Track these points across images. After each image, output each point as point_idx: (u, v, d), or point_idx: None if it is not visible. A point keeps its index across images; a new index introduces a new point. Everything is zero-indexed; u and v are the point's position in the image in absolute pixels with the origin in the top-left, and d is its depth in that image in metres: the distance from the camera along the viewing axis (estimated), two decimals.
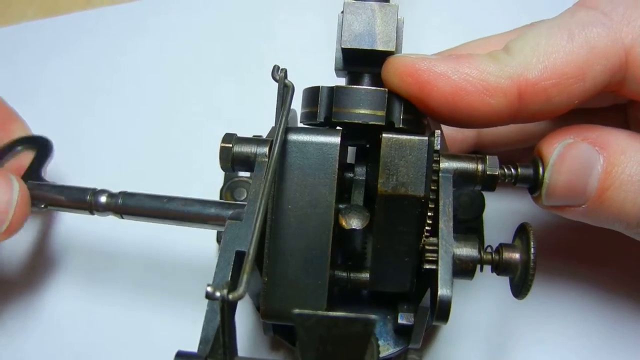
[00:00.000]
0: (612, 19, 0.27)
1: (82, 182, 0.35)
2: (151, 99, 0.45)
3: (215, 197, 0.39)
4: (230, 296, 0.22)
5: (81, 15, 0.48)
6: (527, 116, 0.29)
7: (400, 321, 0.32)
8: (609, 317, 0.36)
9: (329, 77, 0.33)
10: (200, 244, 0.39)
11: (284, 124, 0.28)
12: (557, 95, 0.27)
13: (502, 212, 0.36)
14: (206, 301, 0.25)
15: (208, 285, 0.23)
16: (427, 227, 0.28)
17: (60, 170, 0.42)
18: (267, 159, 0.29)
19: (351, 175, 0.32)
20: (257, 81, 0.43)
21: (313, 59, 0.41)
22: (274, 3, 0.47)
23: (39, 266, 0.40)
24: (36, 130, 0.40)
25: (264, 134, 0.39)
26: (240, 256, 0.27)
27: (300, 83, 0.31)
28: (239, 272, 0.27)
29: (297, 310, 0.21)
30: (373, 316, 0.21)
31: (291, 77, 0.30)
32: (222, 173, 0.40)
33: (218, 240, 0.39)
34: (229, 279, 0.27)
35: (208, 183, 0.40)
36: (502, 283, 0.30)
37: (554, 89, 0.27)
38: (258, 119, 0.39)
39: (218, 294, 0.22)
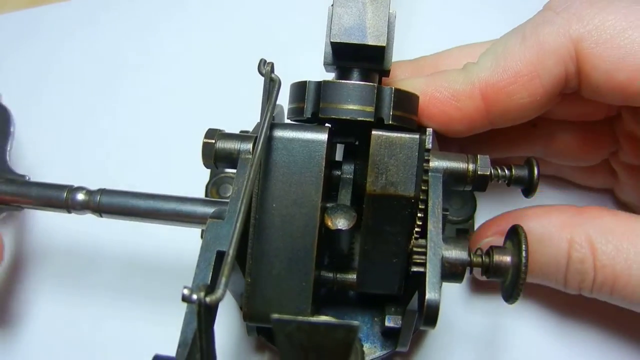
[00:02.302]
0: (563, 17, 0.29)
1: (62, 179, 0.34)
2: (134, 92, 0.44)
3: (201, 193, 0.38)
4: (208, 299, 0.22)
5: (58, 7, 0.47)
6: (499, 117, 0.31)
7: (387, 324, 0.31)
8: (602, 322, 0.36)
9: (322, 72, 0.32)
10: (184, 242, 0.37)
11: (269, 120, 0.27)
12: (518, 93, 0.30)
13: (494, 213, 0.35)
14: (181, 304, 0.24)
15: (185, 287, 0.22)
16: (416, 229, 0.27)
17: (35, 165, 0.41)
18: (250, 156, 0.28)
19: (339, 173, 0.31)
20: (246, 74, 0.42)
21: (306, 53, 0.40)
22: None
23: (14, 266, 0.39)
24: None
25: (251, 127, 0.38)
26: (221, 256, 0.26)
27: (293, 78, 0.30)
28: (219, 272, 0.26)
29: (276, 316, 0.20)
30: (355, 323, 0.20)
31: (282, 72, 0.29)
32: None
33: (202, 237, 0.38)
34: (210, 280, 0.26)
35: (194, 178, 0.39)
36: (493, 286, 0.29)
37: (512, 87, 0.30)
38: (247, 114, 0.38)
39: (195, 296, 0.22)
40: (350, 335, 0.20)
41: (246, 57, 0.43)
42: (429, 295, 0.25)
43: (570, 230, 0.30)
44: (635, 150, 0.34)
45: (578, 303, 0.35)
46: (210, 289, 0.22)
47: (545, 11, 0.31)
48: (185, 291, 0.22)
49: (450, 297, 0.36)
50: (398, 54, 0.33)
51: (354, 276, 0.31)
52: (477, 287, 0.37)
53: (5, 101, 0.38)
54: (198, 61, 0.44)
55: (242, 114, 0.40)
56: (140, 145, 0.42)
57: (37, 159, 0.42)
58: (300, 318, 0.20)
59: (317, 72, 0.33)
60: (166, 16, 0.46)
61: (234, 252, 0.23)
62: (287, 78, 0.30)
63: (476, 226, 0.36)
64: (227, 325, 0.36)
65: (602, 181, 0.37)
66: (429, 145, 0.27)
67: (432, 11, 0.44)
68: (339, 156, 0.33)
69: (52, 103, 0.44)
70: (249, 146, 0.29)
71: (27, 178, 0.35)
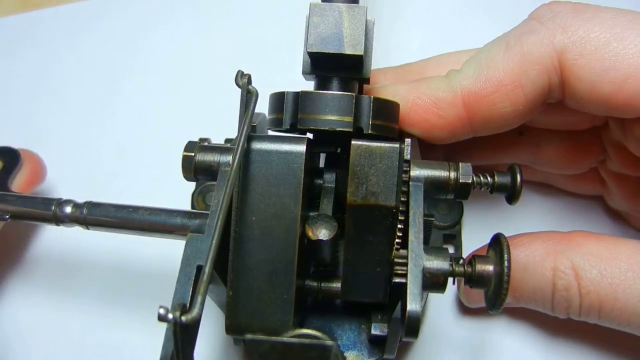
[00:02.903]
0: (548, 27, 0.29)
1: (51, 187, 0.34)
2: (124, 101, 0.44)
3: (187, 201, 0.38)
4: (184, 318, 0.21)
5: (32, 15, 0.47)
6: (481, 125, 0.31)
7: (373, 332, 0.31)
8: (592, 337, 0.35)
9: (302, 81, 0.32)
10: (169, 252, 0.37)
11: (246, 132, 0.27)
12: (500, 102, 0.29)
13: (481, 218, 0.34)
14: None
15: (160, 307, 0.22)
16: (397, 240, 0.27)
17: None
18: (229, 168, 0.28)
19: (321, 182, 0.31)
20: (229, 83, 0.42)
21: (289, 60, 0.40)
22: (243, 4, 0.46)
23: (2, 278, 0.39)
24: None
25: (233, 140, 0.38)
26: (201, 271, 0.26)
27: (278, 85, 0.30)
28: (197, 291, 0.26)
29: (249, 336, 0.20)
30: (329, 342, 0.20)
31: (264, 81, 0.28)
32: None
33: None
34: (190, 294, 0.26)
35: (182, 186, 0.39)
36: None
37: (494, 96, 0.29)
38: (235, 122, 0.38)
39: (170, 316, 0.21)
40: (325, 354, 0.20)
41: (234, 65, 0.43)
42: (410, 306, 0.25)
43: (554, 257, 0.30)
44: (622, 159, 0.33)
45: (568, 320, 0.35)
46: (189, 305, 0.22)
47: (530, 20, 0.30)
48: (161, 310, 0.21)
49: (440, 306, 0.36)
50: (383, 60, 0.32)
51: (339, 285, 0.31)
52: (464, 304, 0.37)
53: None
54: (188, 70, 0.44)
55: (230, 122, 0.40)
56: (129, 153, 0.42)
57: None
58: (273, 338, 0.20)
59: (297, 81, 0.32)
60: (154, 27, 0.46)
61: (210, 270, 0.22)
62: (273, 86, 0.30)
63: (463, 231, 0.36)
64: (213, 335, 0.36)
65: (591, 188, 0.37)
66: (407, 156, 0.27)
67: (417, 15, 0.44)
68: (323, 163, 0.33)
69: (41, 112, 0.44)
70: (229, 158, 0.29)
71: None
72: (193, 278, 0.26)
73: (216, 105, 0.42)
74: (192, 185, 0.38)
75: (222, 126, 0.40)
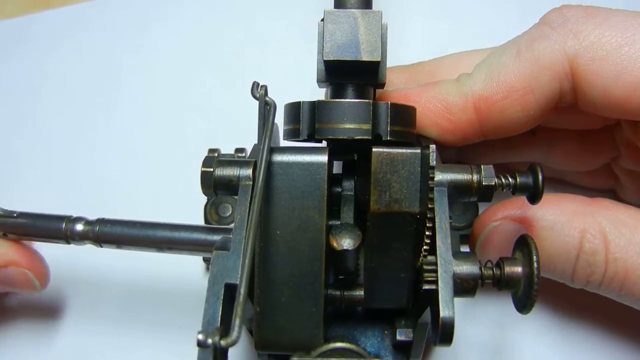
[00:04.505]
0: (559, 32, 0.29)
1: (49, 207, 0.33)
2: (124, 112, 0.43)
3: (199, 213, 0.37)
4: (223, 342, 0.21)
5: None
6: (492, 130, 0.31)
7: (399, 337, 0.31)
8: (611, 329, 0.35)
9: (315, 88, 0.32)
10: (185, 267, 0.37)
11: (268, 146, 0.26)
12: (511, 107, 0.30)
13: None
14: (193, 331, 0.23)
15: (199, 332, 0.21)
16: (424, 246, 0.27)
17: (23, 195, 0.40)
18: (250, 182, 0.28)
19: (339, 189, 0.31)
20: (237, 90, 0.41)
21: (298, 69, 0.40)
22: (252, 9, 0.45)
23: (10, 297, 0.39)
24: None
25: (245, 145, 0.38)
26: (230, 289, 0.26)
27: (286, 94, 0.30)
28: (230, 306, 0.26)
29: (295, 358, 0.20)
30: (371, 358, 0.20)
31: (276, 89, 0.28)
32: None
33: (205, 260, 0.37)
34: (220, 315, 0.25)
35: (192, 198, 0.38)
36: (502, 295, 0.29)
37: (505, 101, 0.29)
38: (241, 130, 0.37)
39: (210, 341, 0.21)
40: None
41: (238, 71, 0.42)
42: (443, 313, 0.25)
43: (583, 219, 0.29)
44: (635, 158, 0.33)
45: (583, 313, 0.35)
46: (222, 325, 0.22)
47: (541, 25, 0.30)
48: (200, 337, 0.21)
49: (457, 307, 0.36)
50: (388, 56, 0.32)
51: (362, 292, 0.30)
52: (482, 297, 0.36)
53: None
54: (193, 76, 0.44)
55: (235, 129, 0.39)
56: (134, 165, 0.42)
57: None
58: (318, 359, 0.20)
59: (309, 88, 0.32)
60: (159, 30, 0.45)
61: (245, 291, 0.22)
62: (281, 90, 0.30)
63: None
64: (236, 349, 0.36)
65: (604, 183, 0.37)
66: (433, 163, 0.26)
67: (423, 10, 0.43)
68: (336, 169, 0.33)
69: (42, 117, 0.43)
70: (249, 172, 0.28)
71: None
72: (222, 297, 0.25)
73: (222, 111, 0.42)
74: (198, 194, 0.38)
75: (227, 133, 0.40)
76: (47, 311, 0.38)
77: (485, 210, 0.33)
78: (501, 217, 0.32)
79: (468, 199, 0.29)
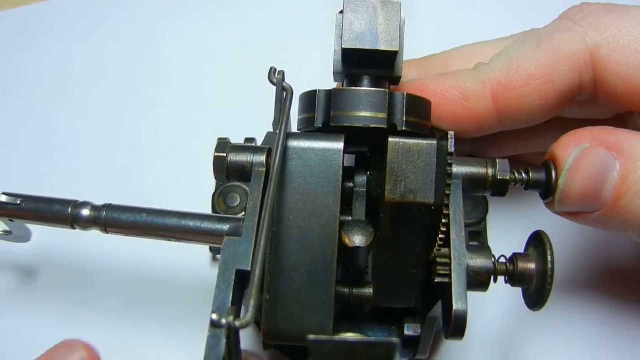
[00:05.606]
0: (580, 25, 0.29)
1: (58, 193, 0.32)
2: (133, 100, 0.43)
3: (207, 203, 0.37)
4: (237, 323, 0.21)
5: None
6: (508, 119, 0.31)
7: (407, 332, 0.31)
8: (622, 328, 0.35)
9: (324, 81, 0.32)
10: (192, 256, 0.36)
11: (284, 131, 0.26)
12: (529, 96, 0.29)
13: (506, 214, 0.34)
14: (202, 322, 0.23)
15: (213, 312, 0.21)
16: (440, 238, 0.27)
17: (33, 180, 0.40)
18: (264, 169, 0.28)
19: (351, 185, 0.31)
20: (246, 81, 0.41)
21: (309, 60, 0.40)
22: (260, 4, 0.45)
23: (12, 283, 0.38)
24: None
25: (254, 134, 0.37)
26: (241, 276, 0.25)
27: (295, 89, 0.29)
28: (240, 293, 0.25)
29: (312, 337, 0.20)
30: (395, 340, 0.20)
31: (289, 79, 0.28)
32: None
33: (211, 250, 0.37)
34: (230, 301, 0.25)
35: (199, 188, 0.38)
36: (511, 291, 0.28)
37: (523, 89, 0.29)
38: (249, 119, 0.37)
39: (224, 321, 0.21)
40: (390, 352, 0.20)
41: (247, 62, 0.42)
42: (457, 306, 0.25)
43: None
44: None
45: (596, 315, 0.34)
46: (234, 310, 0.21)
47: (561, 20, 0.31)
48: (215, 316, 0.21)
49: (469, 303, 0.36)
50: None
51: (370, 290, 0.30)
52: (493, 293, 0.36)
53: None
54: (200, 66, 0.43)
55: (244, 120, 0.39)
56: (142, 153, 0.41)
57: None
58: (337, 338, 0.20)
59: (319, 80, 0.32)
60: (170, 20, 0.45)
61: (261, 273, 0.22)
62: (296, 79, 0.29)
63: (489, 228, 0.36)
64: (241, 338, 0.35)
65: None
66: (451, 149, 0.26)
67: (431, 4, 0.44)
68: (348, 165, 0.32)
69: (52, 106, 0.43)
70: (262, 158, 0.28)
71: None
72: (233, 283, 0.25)
73: (231, 102, 0.42)
74: (205, 184, 0.37)
75: (235, 123, 0.40)
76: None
77: (566, 135, 0.29)
78: (591, 138, 0.28)
79: (482, 193, 0.29)
